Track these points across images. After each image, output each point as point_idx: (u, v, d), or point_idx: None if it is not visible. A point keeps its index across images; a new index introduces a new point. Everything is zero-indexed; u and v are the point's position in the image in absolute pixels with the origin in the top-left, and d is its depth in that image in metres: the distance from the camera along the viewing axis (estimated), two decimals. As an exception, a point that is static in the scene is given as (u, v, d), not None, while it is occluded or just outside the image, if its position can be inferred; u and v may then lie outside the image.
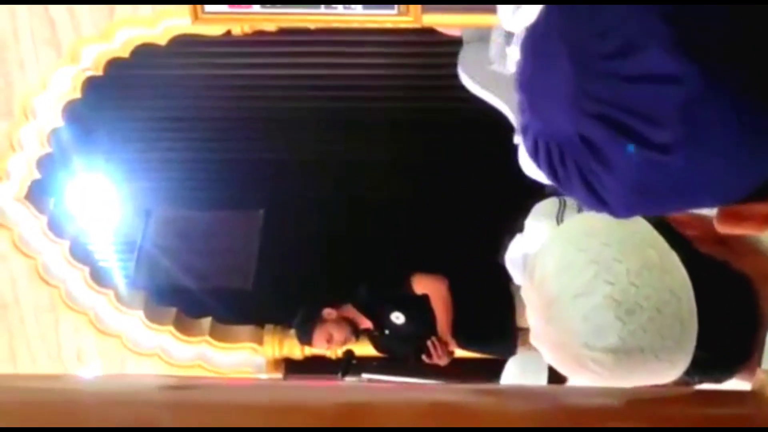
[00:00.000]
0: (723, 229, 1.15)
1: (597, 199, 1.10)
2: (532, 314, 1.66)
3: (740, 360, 1.55)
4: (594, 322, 1.54)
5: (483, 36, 5.69)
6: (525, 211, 5.11)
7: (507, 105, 5.92)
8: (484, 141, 6.19)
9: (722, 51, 0.99)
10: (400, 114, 7.67)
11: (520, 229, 4.95)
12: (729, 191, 1.10)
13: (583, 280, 1.55)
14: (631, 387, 1.60)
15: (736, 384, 1.60)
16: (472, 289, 6.14)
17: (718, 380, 1.62)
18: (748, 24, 1.00)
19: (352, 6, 5.45)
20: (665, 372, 1.58)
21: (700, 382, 1.61)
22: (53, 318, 6.78)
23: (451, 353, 6.14)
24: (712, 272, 1.56)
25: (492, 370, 6.02)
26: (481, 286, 6.13)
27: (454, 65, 6.20)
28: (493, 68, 5.30)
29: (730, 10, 1.00)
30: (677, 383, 1.59)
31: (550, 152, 1.10)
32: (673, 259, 1.57)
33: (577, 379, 1.63)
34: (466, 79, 6.10)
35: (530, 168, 4.32)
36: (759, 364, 1.47)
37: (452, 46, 6.35)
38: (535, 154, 1.13)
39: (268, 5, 5.41)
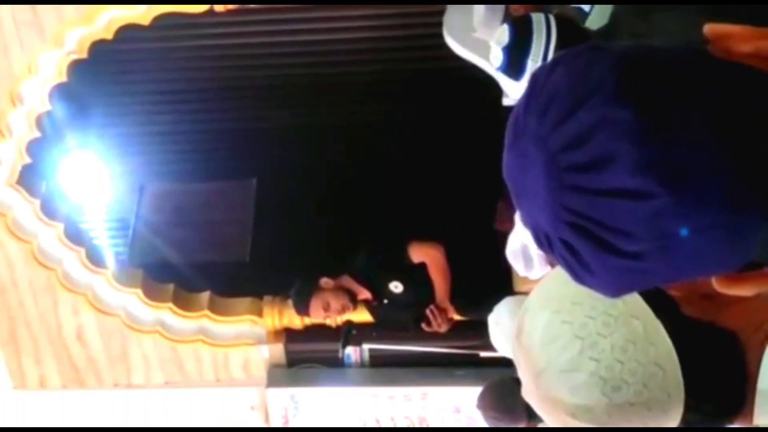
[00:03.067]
0: (722, 289, 1.18)
1: (584, 285, 1.15)
2: (521, 371, 1.65)
3: (732, 412, 1.55)
4: (580, 397, 1.54)
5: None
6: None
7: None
8: (478, 104, 6.15)
9: (687, 165, 1.02)
10: (392, 77, 7.63)
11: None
12: (711, 273, 1.15)
13: (568, 356, 1.55)
14: None
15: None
16: (469, 254, 6.15)
17: None
18: (712, 137, 1.03)
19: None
20: None
21: None
22: (52, 300, 6.79)
23: (451, 319, 6.16)
24: (697, 336, 1.55)
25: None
26: (478, 252, 6.14)
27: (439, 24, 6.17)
28: (477, 35, 5.28)
29: (695, 125, 1.04)
30: None
31: (539, 238, 1.15)
32: (658, 327, 1.55)
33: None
34: (451, 42, 6.07)
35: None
36: (752, 411, 1.47)
37: (436, 6, 6.32)
38: (525, 227, 1.18)
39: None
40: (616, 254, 1.06)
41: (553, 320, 1.58)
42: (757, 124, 1.04)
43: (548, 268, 4.57)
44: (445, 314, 6.09)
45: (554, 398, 1.57)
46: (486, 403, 4.99)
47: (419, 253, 6.11)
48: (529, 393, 1.65)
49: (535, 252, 4.63)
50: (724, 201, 1.03)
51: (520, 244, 4.68)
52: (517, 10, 5.07)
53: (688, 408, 1.54)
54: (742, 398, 1.49)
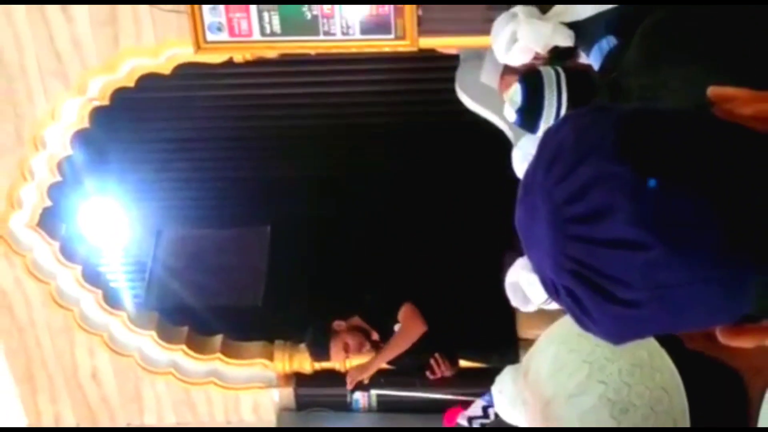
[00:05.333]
0: (724, 341, 1.19)
1: (588, 331, 1.18)
2: (528, 410, 1.66)
3: None
4: (589, 421, 1.55)
5: (480, 54, 5.68)
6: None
7: (502, 121, 5.92)
8: (487, 158, 6.15)
9: (680, 219, 1.05)
10: (404, 131, 7.67)
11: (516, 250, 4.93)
12: (709, 324, 1.17)
13: (576, 381, 1.56)
14: None
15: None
16: (475, 302, 6.14)
17: None
18: (705, 194, 1.06)
19: (350, 31, 5.47)
20: None
21: None
22: (68, 340, 6.80)
23: (456, 366, 6.15)
24: (700, 369, 1.56)
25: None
26: (484, 300, 6.14)
27: (451, 80, 6.19)
28: (482, 80, 5.30)
29: (689, 183, 1.06)
30: None
31: (546, 284, 1.19)
32: (663, 357, 1.57)
33: None
34: (463, 96, 6.08)
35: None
36: None
37: (449, 61, 6.35)
38: (536, 274, 1.21)
39: (268, 35, 5.44)
40: (614, 302, 1.09)
41: (560, 351, 1.60)
42: (751, 184, 1.07)
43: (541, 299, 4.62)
44: (448, 363, 6.08)
45: (563, 428, 1.58)
46: None
47: (405, 316, 6.08)
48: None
49: (527, 288, 4.67)
50: (715, 255, 1.05)
51: (515, 281, 4.72)
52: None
53: None
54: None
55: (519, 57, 4.57)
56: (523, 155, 4.42)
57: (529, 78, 4.14)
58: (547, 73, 4.05)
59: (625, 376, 1.55)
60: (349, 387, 6.24)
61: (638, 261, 1.05)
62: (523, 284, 4.69)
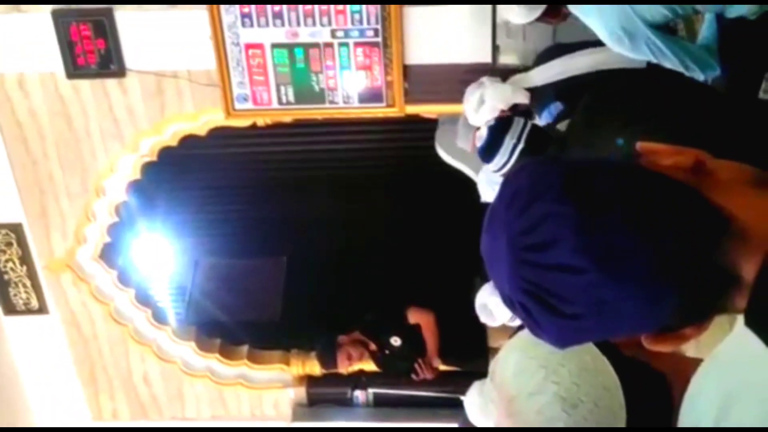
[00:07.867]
0: (648, 346, 1.19)
1: (538, 337, 1.17)
2: (494, 408, 1.66)
3: None
4: (546, 415, 1.55)
5: (454, 119, 5.69)
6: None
7: (474, 172, 5.93)
8: (461, 201, 6.15)
9: (614, 249, 1.05)
10: (394, 179, 7.67)
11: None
12: (636, 332, 1.17)
13: (535, 382, 1.56)
14: None
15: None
16: (453, 318, 6.14)
17: None
18: (633, 229, 1.06)
19: (350, 101, 5.50)
20: None
21: None
22: (124, 350, 6.79)
23: (436, 369, 6.14)
24: (634, 372, 1.57)
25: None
26: (459, 316, 6.12)
27: (432, 139, 6.20)
28: (458, 144, 5.32)
29: (621, 220, 1.07)
30: None
31: (504, 299, 1.18)
32: (605, 362, 1.58)
33: None
34: (441, 152, 6.09)
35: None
36: None
37: (429, 124, 6.35)
38: (497, 290, 1.20)
39: (285, 104, 5.47)
40: (559, 315, 1.10)
41: (521, 357, 1.61)
42: (670, 221, 1.08)
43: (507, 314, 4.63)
44: (430, 367, 6.08)
45: (524, 423, 1.57)
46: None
47: (415, 316, 6.12)
48: (501, 426, 1.65)
49: (494, 308, 4.67)
50: (642, 279, 1.06)
51: (483, 302, 4.72)
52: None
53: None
54: (667, 428, 1.50)
55: (486, 116, 4.57)
56: (486, 179, 4.40)
57: (500, 121, 4.11)
58: (518, 120, 4.04)
59: (574, 378, 1.55)
60: (430, 378, 6.14)
61: (579, 283, 1.06)
62: (491, 306, 4.69)
